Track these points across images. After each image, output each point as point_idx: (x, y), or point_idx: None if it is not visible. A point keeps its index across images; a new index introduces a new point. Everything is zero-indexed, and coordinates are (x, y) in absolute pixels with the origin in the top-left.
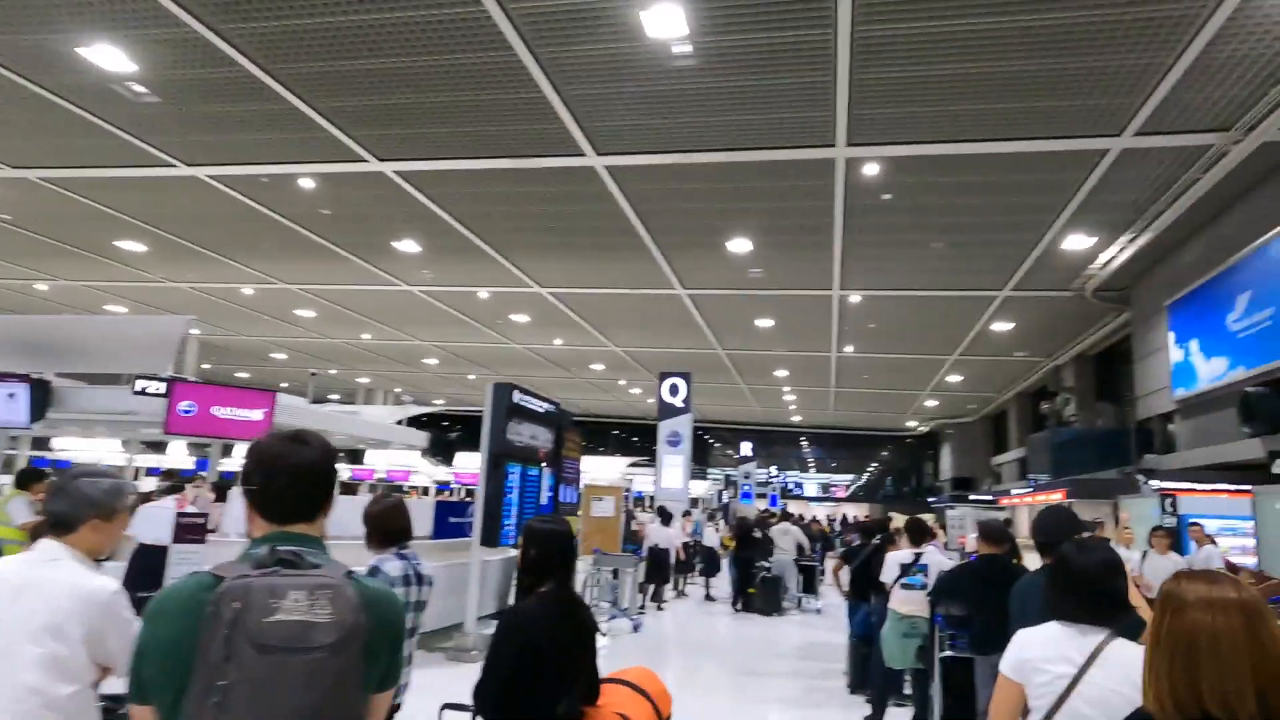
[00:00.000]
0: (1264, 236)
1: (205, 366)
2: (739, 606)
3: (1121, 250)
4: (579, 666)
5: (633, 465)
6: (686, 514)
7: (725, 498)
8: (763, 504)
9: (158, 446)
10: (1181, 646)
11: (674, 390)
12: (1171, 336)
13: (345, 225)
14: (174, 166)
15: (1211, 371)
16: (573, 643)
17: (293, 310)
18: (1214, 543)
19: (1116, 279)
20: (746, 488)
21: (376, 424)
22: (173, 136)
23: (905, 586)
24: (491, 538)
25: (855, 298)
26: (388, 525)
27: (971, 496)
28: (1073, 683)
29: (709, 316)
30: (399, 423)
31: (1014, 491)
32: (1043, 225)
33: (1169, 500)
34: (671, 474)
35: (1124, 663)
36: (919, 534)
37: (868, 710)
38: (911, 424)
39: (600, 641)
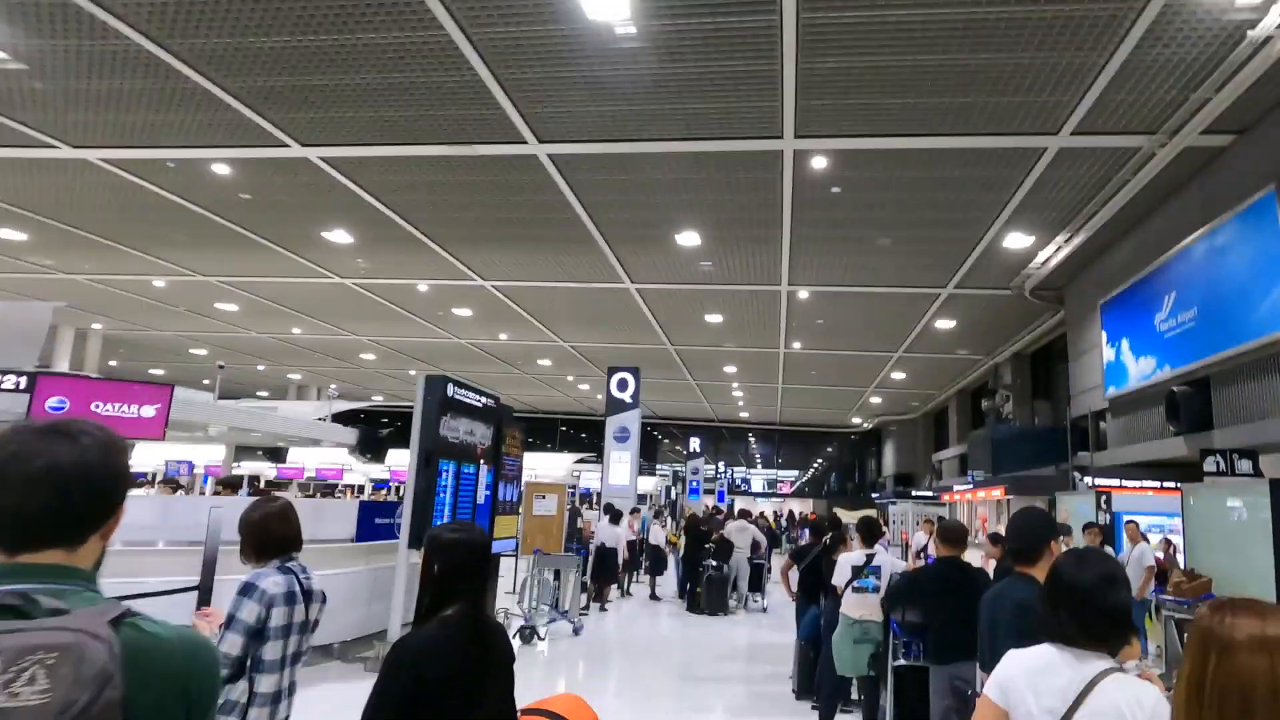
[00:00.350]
0: (1186, 239)
1: (112, 364)
2: (686, 606)
3: (1058, 250)
4: (489, 703)
5: (579, 461)
6: (634, 511)
7: (674, 494)
8: (710, 500)
9: None
10: (1234, 699)
11: (622, 385)
12: (1104, 335)
13: (268, 214)
14: (55, 148)
15: (1141, 370)
16: (482, 675)
17: (213, 304)
18: (1146, 540)
19: (1053, 278)
20: (694, 484)
21: (296, 420)
22: (48, 114)
23: (857, 590)
24: (421, 540)
25: (803, 294)
26: (267, 534)
27: (914, 493)
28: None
29: (658, 312)
30: (322, 419)
31: (956, 487)
32: (984, 223)
33: (1104, 497)
34: (619, 470)
35: (1118, 705)
36: (871, 534)
37: (812, 717)
38: (856, 421)
39: (538, 646)
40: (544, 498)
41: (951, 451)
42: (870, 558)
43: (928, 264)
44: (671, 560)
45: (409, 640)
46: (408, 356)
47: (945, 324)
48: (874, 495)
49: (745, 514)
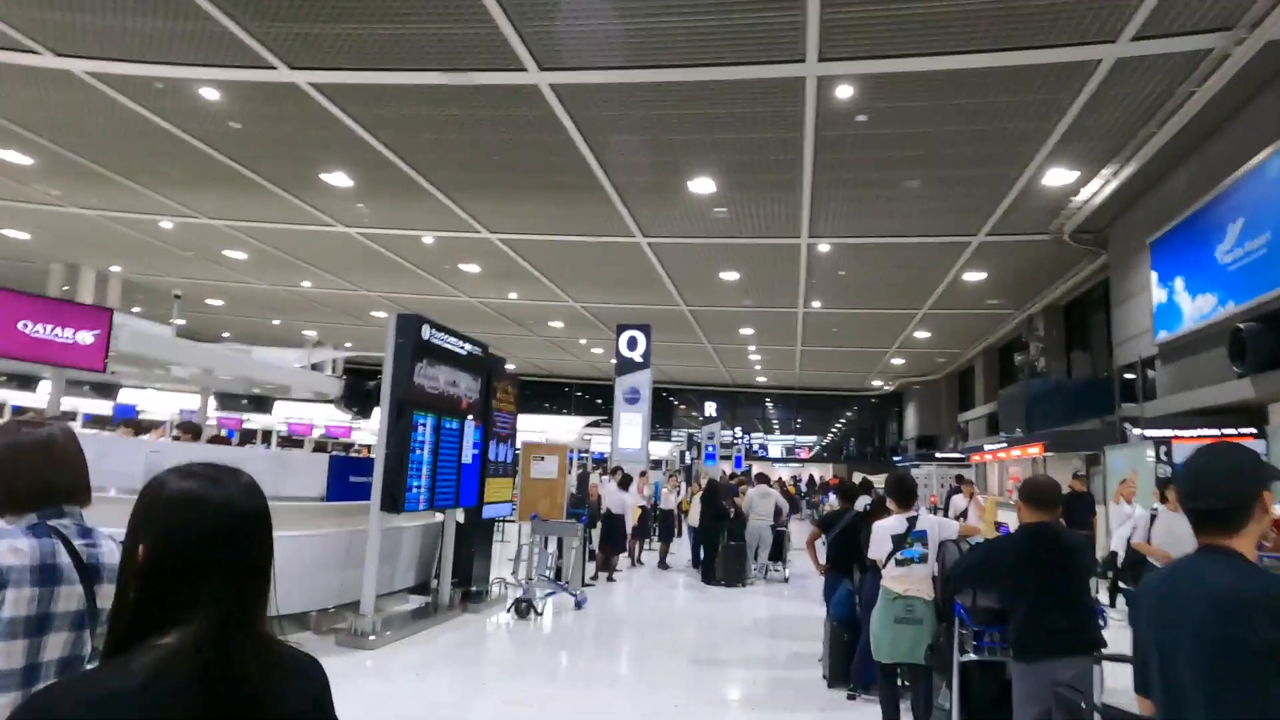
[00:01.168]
0: (1260, 154)
1: (135, 310)
2: (701, 576)
3: (1104, 185)
4: None
5: (590, 425)
6: (643, 474)
7: (689, 459)
8: (728, 466)
9: (26, 382)
10: None
11: (632, 344)
12: (1154, 276)
13: (263, 150)
14: (38, 54)
15: (1197, 310)
16: None
17: (221, 251)
18: None
19: (1095, 219)
20: (711, 449)
21: (271, 365)
22: (21, 8)
23: (901, 562)
24: (394, 501)
25: (824, 246)
26: (14, 474)
27: (938, 454)
28: None
29: (671, 268)
30: (318, 368)
31: (986, 447)
32: (1024, 158)
33: (1163, 448)
34: (629, 433)
35: None
36: (906, 494)
37: (848, 709)
38: (877, 383)
39: (535, 622)
40: (543, 459)
41: (979, 411)
42: (912, 522)
43: (960, 209)
44: (687, 527)
45: (59, 703)
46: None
47: (975, 276)
48: (895, 459)
49: (764, 478)
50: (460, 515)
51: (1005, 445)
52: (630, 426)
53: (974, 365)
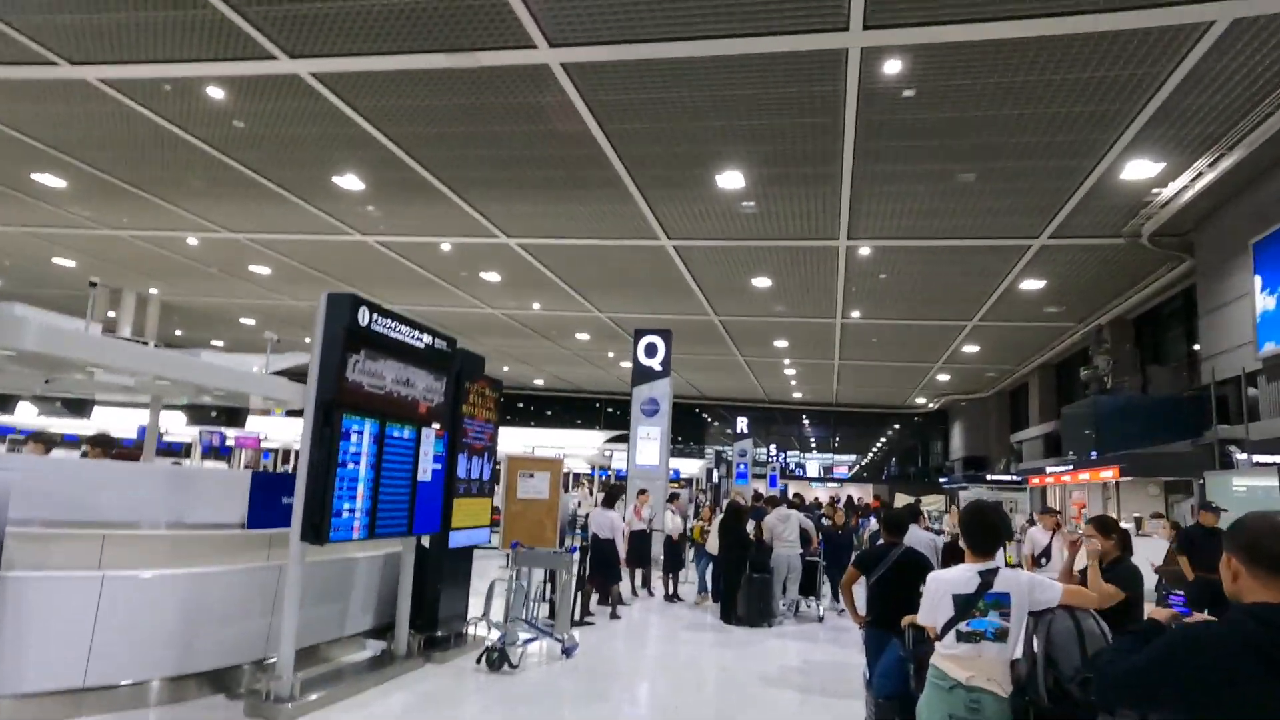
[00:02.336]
0: None
1: (178, 334)
2: (720, 613)
3: (1195, 179)
4: None
5: (612, 441)
6: (642, 492)
7: (716, 477)
8: (761, 485)
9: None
10: None
11: (651, 350)
12: (1257, 282)
13: (274, 153)
14: (56, 65)
15: None
16: None
17: (247, 266)
18: None
19: (1180, 219)
20: (742, 467)
21: (221, 370)
22: (37, 15)
23: (967, 636)
24: (316, 530)
25: (865, 249)
26: None
27: (989, 476)
28: None
29: (699, 274)
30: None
31: (1049, 469)
32: (1100, 147)
33: None
34: (647, 448)
35: None
36: (985, 536)
37: None
38: (920, 401)
39: (509, 676)
40: (531, 476)
41: (1035, 431)
42: (988, 578)
43: (1020, 207)
44: (692, 555)
45: None
46: (447, 329)
47: (1033, 284)
48: (941, 480)
49: (798, 503)
50: (426, 543)
51: (1071, 468)
52: (648, 441)
53: (1027, 383)
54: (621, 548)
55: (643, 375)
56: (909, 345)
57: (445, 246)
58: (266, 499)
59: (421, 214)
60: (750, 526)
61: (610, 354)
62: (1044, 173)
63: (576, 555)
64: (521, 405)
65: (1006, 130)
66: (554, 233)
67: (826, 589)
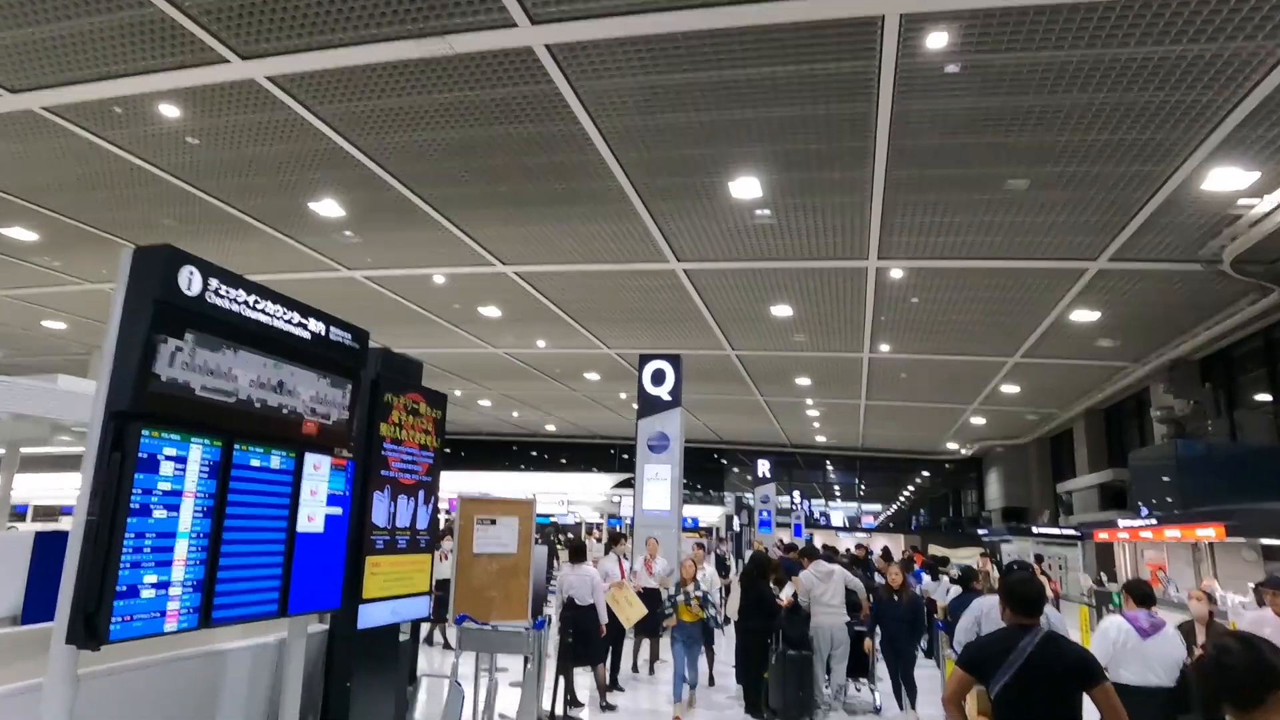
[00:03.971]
0: None
1: None
2: (745, 707)
3: None
4: None
5: (618, 486)
6: (620, 539)
7: (738, 525)
8: (785, 534)
9: None
10: None
11: (658, 378)
12: None
13: (241, 179)
14: None
15: None
16: None
17: None
18: None
19: (1270, 244)
20: (765, 514)
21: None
22: None
23: None
24: (91, 622)
25: (897, 272)
26: None
27: (1036, 529)
28: None
29: (713, 301)
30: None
31: (1122, 524)
32: (1183, 148)
33: None
34: (656, 490)
35: None
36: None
37: None
38: (952, 446)
39: None
40: (492, 523)
41: (1088, 480)
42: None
43: (1078, 222)
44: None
45: None
46: (449, 373)
47: (1086, 316)
48: (980, 532)
49: (829, 552)
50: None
51: (1155, 523)
52: (657, 482)
53: (1071, 429)
54: (602, 613)
55: (650, 406)
56: (943, 385)
57: (439, 278)
58: (49, 580)
59: (409, 241)
60: (787, 589)
61: (622, 395)
62: (1111, 180)
63: (543, 631)
64: (535, 453)
65: (1070, 124)
66: (553, 258)
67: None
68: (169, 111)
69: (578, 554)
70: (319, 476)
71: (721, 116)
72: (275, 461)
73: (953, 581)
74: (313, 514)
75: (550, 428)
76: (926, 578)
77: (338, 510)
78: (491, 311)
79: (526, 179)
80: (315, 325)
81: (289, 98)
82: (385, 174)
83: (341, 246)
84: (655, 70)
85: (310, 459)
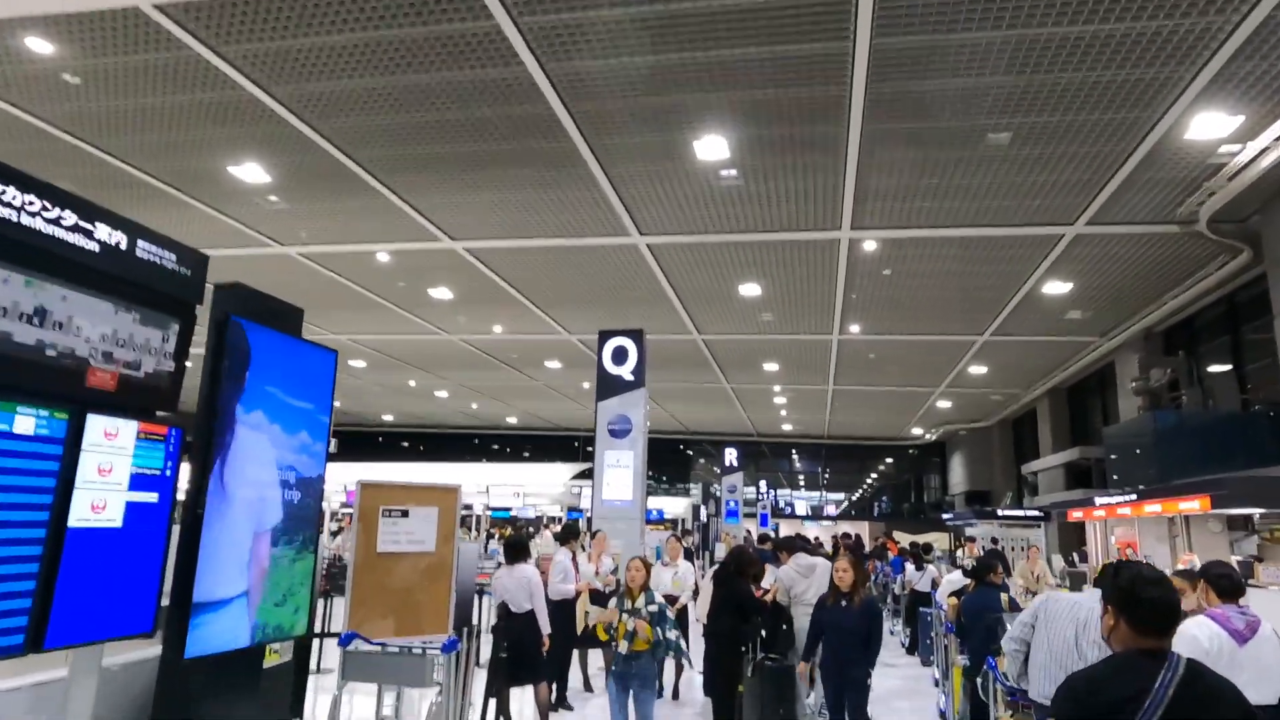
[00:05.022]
0: None
1: None
2: None
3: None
4: None
5: (578, 477)
6: (596, 534)
7: (705, 515)
8: (752, 525)
9: None
10: None
11: (619, 356)
12: None
13: (141, 134)
14: None
15: None
16: None
17: None
18: None
19: (1245, 200)
20: (732, 504)
21: None
22: None
23: None
24: None
25: (870, 244)
26: None
27: (1002, 511)
28: None
29: (678, 280)
30: None
31: (1099, 500)
32: (1172, 88)
33: None
34: (617, 479)
35: None
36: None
37: None
38: (917, 431)
39: None
40: (403, 515)
41: (1053, 460)
42: None
43: (1059, 181)
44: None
45: None
46: (402, 362)
47: (1058, 287)
48: (944, 516)
49: (804, 545)
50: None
51: (1135, 498)
52: (618, 469)
53: (1035, 409)
54: (543, 621)
55: (610, 386)
56: (911, 367)
57: (382, 256)
58: None
59: (345, 211)
60: (766, 582)
61: (585, 384)
62: (1096, 130)
63: (453, 654)
64: (497, 446)
65: (1057, 61)
66: (506, 232)
67: (885, 668)
68: (40, 46)
69: (515, 552)
70: (115, 449)
71: (681, 57)
72: (24, 424)
73: (966, 573)
74: (102, 501)
75: (512, 420)
76: (910, 567)
77: (151, 496)
78: (443, 293)
79: (469, 137)
80: (109, 234)
81: (184, 33)
82: (310, 130)
83: (272, 218)
84: (604, 4)
85: (98, 423)
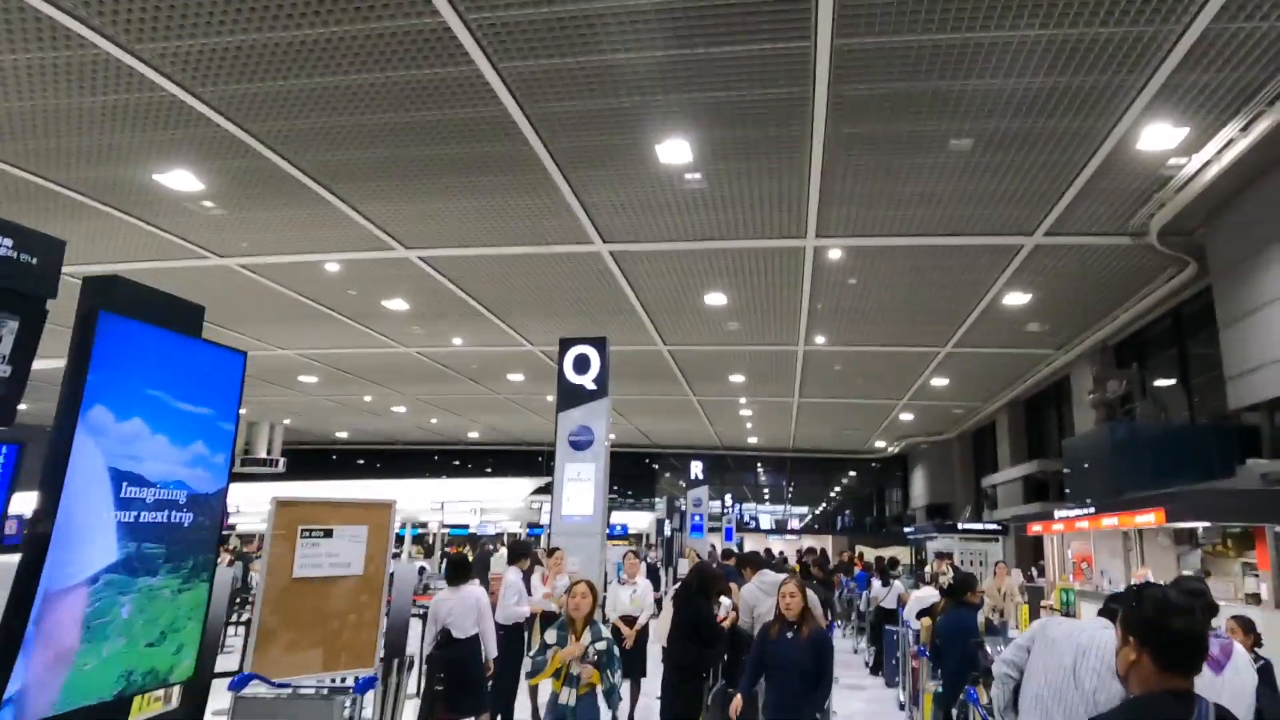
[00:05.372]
0: None
1: None
2: None
3: (1225, 148)
4: None
5: (538, 492)
6: (554, 552)
7: (669, 530)
8: (717, 540)
9: None
10: None
11: (581, 365)
12: None
13: (43, 137)
14: None
15: None
16: None
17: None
18: None
19: (1190, 213)
20: (697, 518)
21: None
22: None
23: None
24: None
25: (835, 252)
26: None
27: (962, 525)
28: None
29: (643, 289)
30: None
31: (1059, 514)
32: (1123, 96)
33: None
34: (578, 493)
35: None
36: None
37: None
38: (880, 444)
39: None
40: (326, 536)
41: (1011, 473)
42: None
43: (1019, 190)
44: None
45: None
46: (356, 377)
47: (1018, 299)
48: (907, 530)
49: (766, 561)
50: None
51: (1093, 511)
52: (579, 483)
53: (994, 422)
54: (490, 645)
55: (571, 396)
56: (875, 378)
57: (332, 266)
58: None
59: (289, 221)
60: (725, 604)
61: (549, 398)
62: (1054, 138)
63: (371, 692)
64: (458, 462)
65: (1016, 65)
66: (463, 239)
67: (847, 689)
68: None
69: (458, 573)
70: None
71: (641, 56)
72: None
73: (943, 592)
74: None
75: (474, 434)
76: (876, 583)
77: None
78: (398, 304)
79: (420, 140)
80: None
81: (84, 27)
82: (243, 133)
83: (207, 228)
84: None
85: None
